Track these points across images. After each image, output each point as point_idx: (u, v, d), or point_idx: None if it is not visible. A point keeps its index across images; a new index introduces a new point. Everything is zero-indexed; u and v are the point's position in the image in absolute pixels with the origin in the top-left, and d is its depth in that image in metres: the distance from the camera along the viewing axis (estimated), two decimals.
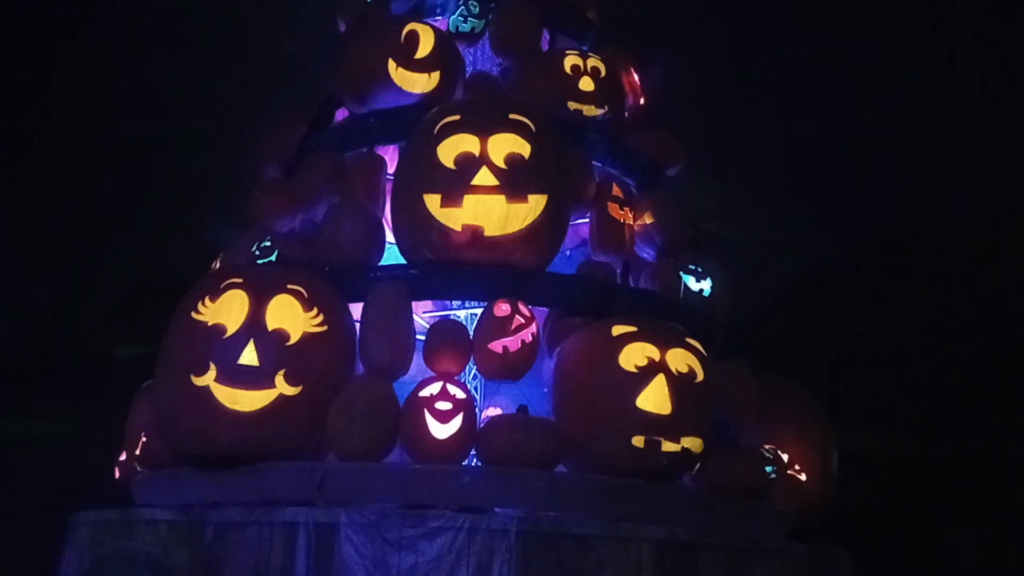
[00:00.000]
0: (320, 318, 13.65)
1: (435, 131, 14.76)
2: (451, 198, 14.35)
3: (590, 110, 17.21)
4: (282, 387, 13.21)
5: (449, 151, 14.52)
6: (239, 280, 13.86)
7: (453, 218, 14.37)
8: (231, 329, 13.35)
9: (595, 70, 17.44)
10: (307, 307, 13.63)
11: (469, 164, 14.38)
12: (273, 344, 13.31)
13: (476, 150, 14.45)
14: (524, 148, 14.58)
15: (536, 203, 14.45)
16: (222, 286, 13.78)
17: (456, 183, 14.38)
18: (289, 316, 13.52)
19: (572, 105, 17.04)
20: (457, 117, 14.85)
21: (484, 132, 14.60)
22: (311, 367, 13.45)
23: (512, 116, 14.83)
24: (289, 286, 13.75)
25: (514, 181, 14.37)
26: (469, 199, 14.31)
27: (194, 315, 13.63)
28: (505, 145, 14.53)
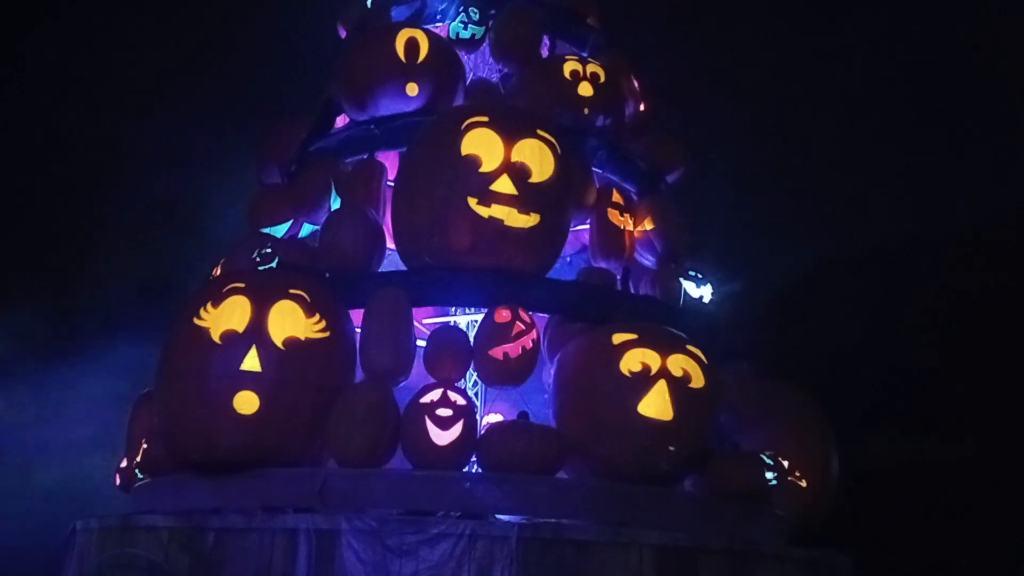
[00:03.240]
0: (322, 324, 13.66)
1: (461, 127, 14.69)
2: (476, 193, 14.37)
3: (590, 114, 17.23)
4: (287, 391, 13.24)
5: (471, 148, 14.50)
6: (241, 285, 13.86)
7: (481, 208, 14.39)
8: (233, 335, 13.34)
9: (594, 75, 17.47)
10: (309, 313, 13.63)
11: (491, 168, 14.41)
12: (276, 350, 13.32)
13: (500, 156, 14.45)
14: (548, 162, 14.62)
15: (536, 217, 14.54)
16: (224, 291, 13.78)
17: (477, 181, 14.39)
18: (291, 322, 13.52)
19: (572, 108, 17.04)
20: (485, 119, 14.82)
21: (510, 137, 14.60)
22: (313, 372, 13.46)
23: (540, 132, 14.85)
24: (291, 291, 13.74)
25: (528, 198, 14.43)
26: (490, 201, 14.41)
27: (196, 321, 13.61)
28: (528, 154, 14.57)
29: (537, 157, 14.60)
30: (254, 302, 13.55)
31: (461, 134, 14.58)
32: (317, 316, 13.64)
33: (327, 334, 13.65)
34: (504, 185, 14.36)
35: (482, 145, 14.51)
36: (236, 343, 13.29)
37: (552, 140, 14.85)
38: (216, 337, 13.41)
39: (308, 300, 13.69)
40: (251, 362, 13.18)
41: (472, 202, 14.31)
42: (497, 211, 14.33)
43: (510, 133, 14.64)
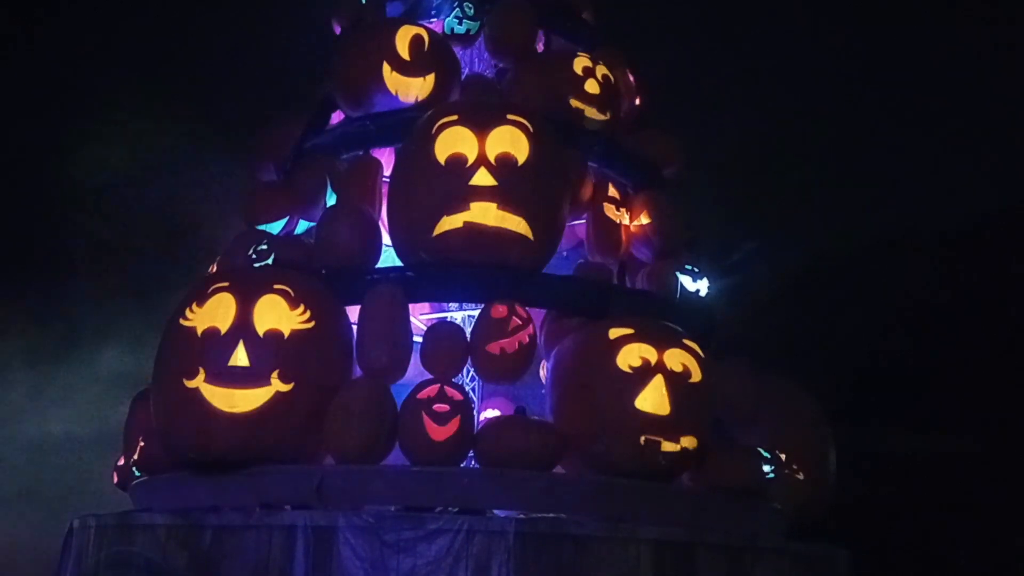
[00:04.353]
0: (307, 315, 13.60)
1: (432, 131, 14.78)
2: (450, 199, 14.40)
3: (591, 112, 17.24)
4: (277, 385, 13.23)
5: (445, 149, 14.55)
6: (225, 283, 13.88)
7: (453, 218, 14.40)
8: (220, 332, 13.34)
9: (604, 76, 17.51)
10: (293, 305, 13.59)
11: (467, 164, 14.43)
12: (263, 344, 13.31)
13: (474, 150, 14.48)
14: (523, 146, 14.62)
15: (528, 214, 14.53)
16: (209, 290, 13.81)
17: (454, 184, 14.41)
18: (277, 315, 13.50)
19: (574, 103, 17.06)
20: (455, 117, 14.88)
21: (482, 130, 14.63)
22: (301, 364, 13.41)
23: (510, 117, 14.87)
24: (275, 286, 13.75)
25: (509, 185, 14.41)
26: (468, 201, 14.36)
27: (182, 321, 13.66)
28: (502, 143, 14.57)
29: (511, 143, 14.60)
30: (239, 298, 13.55)
31: (434, 138, 14.65)
32: (301, 307, 13.59)
33: (312, 324, 13.58)
34: (483, 178, 14.35)
35: (457, 143, 14.54)
36: (223, 340, 13.29)
37: (524, 122, 14.82)
38: (202, 335, 13.42)
39: (291, 293, 13.67)
40: (239, 357, 13.18)
41: (446, 211, 14.33)
42: (477, 212, 14.31)
43: (481, 126, 14.66)
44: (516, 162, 14.57)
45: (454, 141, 14.59)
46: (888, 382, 26.78)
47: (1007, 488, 24.35)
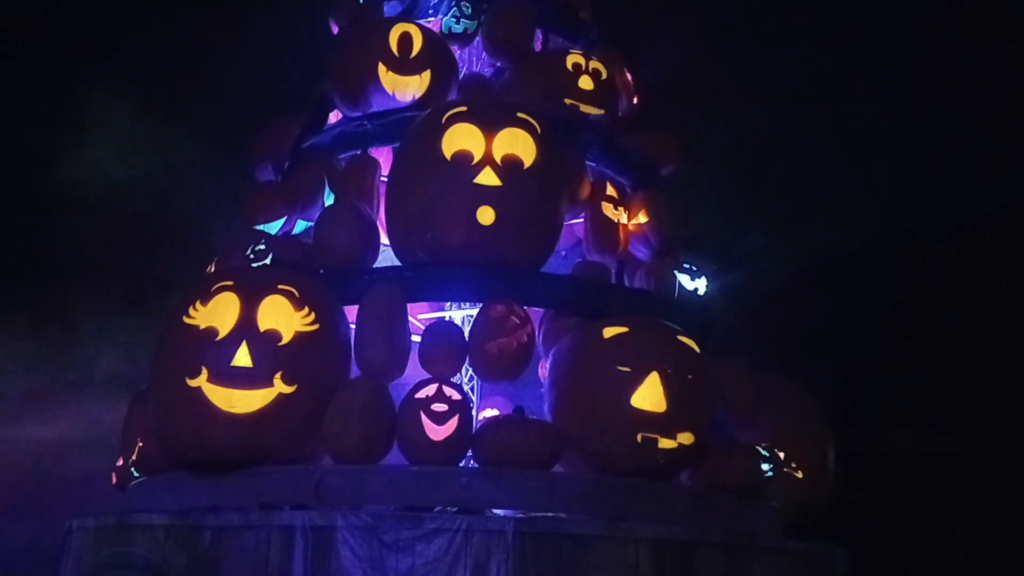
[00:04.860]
0: (311, 317, 13.59)
1: (442, 121, 14.74)
2: (453, 197, 14.39)
3: (587, 109, 17.25)
4: (279, 387, 13.20)
5: (452, 145, 14.53)
6: (230, 283, 13.82)
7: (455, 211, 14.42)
8: (223, 332, 13.30)
9: (596, 71, 17.51)
10: (298, 307, 13.56)
11: (472, 162, 14.43)
12: (266, 345, 13.27)
13: (480, 148, 14.48)
14: (530, 148, 14.62)
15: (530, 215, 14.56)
16: (213, 289, 13.75)
17: (458, 180, 14.41)
18: (281, 316, 13.46)
19: (569, 101, 17.09)
20: (464, 109, 14.86)
21: (490, 128, 14.63)
22: (305, 366, 13.38)
23: (520, 116, 14.87)
24: (280, 287, 13.70)
25: (514, 187, 14.41)
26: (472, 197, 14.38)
27: (185, 319, 13.59)
28: (509, 143, 14.58)
29: (518, 144, 14.60)
30: (243, 298, 13.51)
31: (442, 130, 14.63)
32: (306, 309, 13.57)
33: (316, 327, 13.56)
34: (488, 177, 14.35)
35: (464, 140, 14.53)
36: (226, 339, 13.24)
37: (532, 123, 14.82)
38: (205, 334, 13.36)
39: (296, 295, 13.64)
40: (242, 358, 13.15)
41: (455, 203, 14.33)
42: (478, 213, 14.32)
43: (489, 124, 14.65)
44: (522, 164, 14.56)
45: (461, 137, 14.57)
46: (888, 382, 26.75)
47: (1007, 488, 24.32)
